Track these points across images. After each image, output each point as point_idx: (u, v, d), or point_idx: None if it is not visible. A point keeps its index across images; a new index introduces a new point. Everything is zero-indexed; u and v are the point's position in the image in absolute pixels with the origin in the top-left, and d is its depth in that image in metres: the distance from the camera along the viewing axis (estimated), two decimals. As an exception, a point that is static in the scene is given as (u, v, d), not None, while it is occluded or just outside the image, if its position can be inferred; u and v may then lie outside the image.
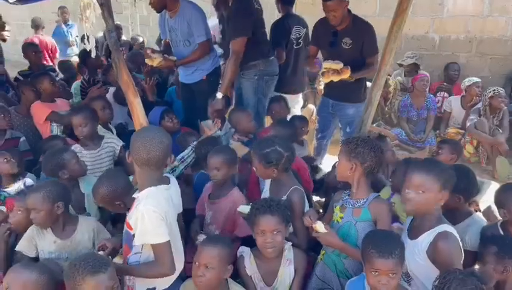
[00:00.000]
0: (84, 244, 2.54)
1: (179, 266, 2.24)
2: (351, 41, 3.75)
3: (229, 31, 3.99)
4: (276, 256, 2.30)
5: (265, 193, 2.67)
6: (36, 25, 7.69)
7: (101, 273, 1.84)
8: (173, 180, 2.28)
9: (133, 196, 2.13)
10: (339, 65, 3.58)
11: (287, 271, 2.32)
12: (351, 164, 2.28)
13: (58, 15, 8.39)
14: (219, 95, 3.83)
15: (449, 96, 5.88)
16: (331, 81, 3.66)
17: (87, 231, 2.57)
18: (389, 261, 1.88)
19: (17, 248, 2.52)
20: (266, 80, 4.11)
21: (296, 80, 4.70)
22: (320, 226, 2.25)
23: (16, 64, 7.21)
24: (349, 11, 3.76)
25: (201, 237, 2.58)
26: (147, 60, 4.19)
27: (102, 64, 5.48)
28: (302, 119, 3.88)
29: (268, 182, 2.68)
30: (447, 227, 2.07)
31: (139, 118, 3.07)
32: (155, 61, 4.08)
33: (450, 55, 6.22)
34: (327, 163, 4.44)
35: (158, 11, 4.16)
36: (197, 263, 2.09)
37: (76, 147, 3.38)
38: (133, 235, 2.06)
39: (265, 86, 4.13)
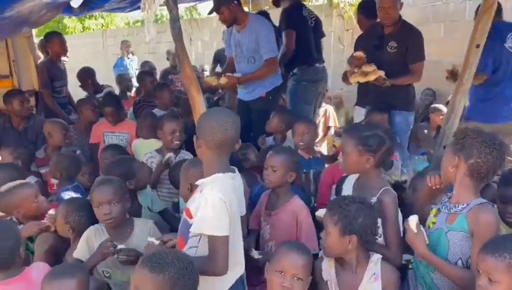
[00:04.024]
0: (142, 247, 2.25)
1: (239, 269, 1.97)
2: (396, 45, 3.60)
3: None
4: (359, 267, 1.94)
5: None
6: None
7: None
8: (238, 172, 2.02)
9: (196, 183, 1.89)
10: (371, 67, 3.43)
11: (370, 288, 1.93)
12: (454, 158, 1.88)
13: (121, 48, 8.75)
14: None
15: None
16: (377, 89, 3.51)
17: (143, 233, 2.32)
18: (499, 262, 1.52)
19: (74, 255, 2.28)
20: (304, 85, 4.31)
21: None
22: (412, 222, 1.87)
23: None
24: (400, 16, 3.63)
25: (254, 254, 2.29)
26: (206, 79, 4.09)
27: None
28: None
29: (350, 181, 2.32)
30: None
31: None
32: (215, 80, 3.95)
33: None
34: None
35: (228, 26, 4.14)
36: (282, 273, 1.82)
37: (152, 152, 3.33)
38: (191, 225, 1.82)
39: (304, 91, 4.32)
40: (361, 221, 1.89)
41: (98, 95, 5.08)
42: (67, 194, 2.84)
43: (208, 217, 1.76)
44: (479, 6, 4.19)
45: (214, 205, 1.76)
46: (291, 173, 2.48)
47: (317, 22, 4.51)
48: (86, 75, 5.50)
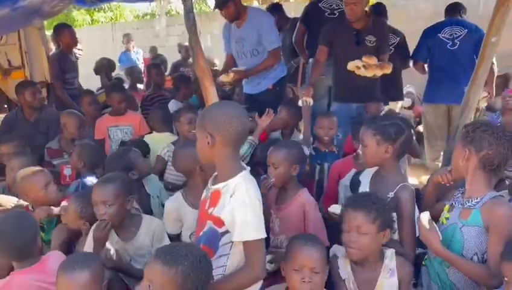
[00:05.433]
0: (146, 246, 2.29)
1: None
2: (375, 39, 3.74)
3: None
4: (374, 263, 1.94)
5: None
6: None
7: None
8: None
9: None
10: (373, 59, 3.51)
11: (387, 284, 1.93)
12: (464, 151, 1.87)
13: (123, 42, 8.70)
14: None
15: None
16: (353, 83, 3.63)
17: (148, 233, 2.31)
18: None
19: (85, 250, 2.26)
20: None
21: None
22: (424, 219, 1.86)
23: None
24: (366, 12, 3.76)
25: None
26: (221, 77, 4.03)
27: (164, 81, 5.42)
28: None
29: (367, 175, 2.31)
30: None
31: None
32: (230, 76, 3.94)
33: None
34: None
35: (231, 22, 4.09)
36: (299, 269, 1.81)
37: (170, 146, 3.35)
38: (222, 233, 1.72)
39: None
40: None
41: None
42: (90, 180, 2.81)
43: (249, 220, 1.65)
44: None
45: (254, 206, 1.67)
46: (294, 166, 2.42)
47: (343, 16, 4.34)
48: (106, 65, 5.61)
